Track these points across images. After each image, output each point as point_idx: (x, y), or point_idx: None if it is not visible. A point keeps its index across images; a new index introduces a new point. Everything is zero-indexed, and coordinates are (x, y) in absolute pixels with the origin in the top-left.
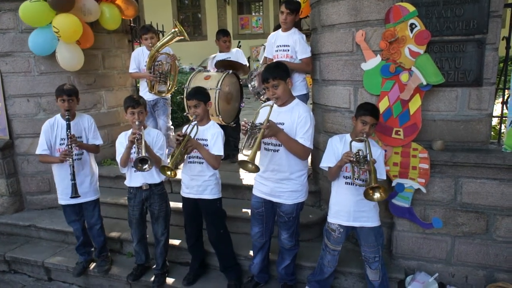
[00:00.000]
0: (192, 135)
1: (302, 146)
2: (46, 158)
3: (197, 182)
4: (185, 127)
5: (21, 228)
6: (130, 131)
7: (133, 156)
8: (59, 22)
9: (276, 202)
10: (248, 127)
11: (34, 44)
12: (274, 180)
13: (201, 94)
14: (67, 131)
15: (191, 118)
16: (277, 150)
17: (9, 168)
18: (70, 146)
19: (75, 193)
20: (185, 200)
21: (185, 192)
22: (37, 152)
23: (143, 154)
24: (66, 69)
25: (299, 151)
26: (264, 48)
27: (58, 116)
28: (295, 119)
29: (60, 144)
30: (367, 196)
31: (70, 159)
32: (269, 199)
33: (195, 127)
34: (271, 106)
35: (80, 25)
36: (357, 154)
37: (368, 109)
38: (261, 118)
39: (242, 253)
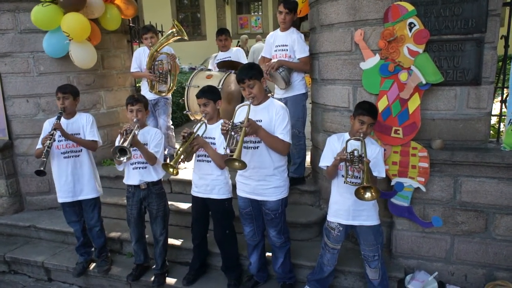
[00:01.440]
0: (200, 133)
1: (282, 141)
2: (36, 151)
3: (205, 181)
4: (197, 126)
5: (21, 228)
6: None
7: (132, 150)
8: (68, 25)
9: (261, 200)
10: (229, 127)
11: (49, 46)
12: (256, 178)
13: (210, 93)
14: (55, 121)
15: (191, 118)
16: (257, 147)
17: (8, 169)
18: (52, 133)
19: (40, 166)
20: (194, 199)
21: (195, 191)
22: (36, 148)
23: (125, 144)
24: (81, 67)
25: (280, 146)
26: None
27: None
28: (273, 116)
29: (58, 141)
30: (358, 195)
31: (48, 141)
32: (253, 198)
33: (204, 125)
34: (249, 105)
35: (87, 22)
36: (351, 153)
37: (366, 109)
38: (239, 118)
39: (242, 253)
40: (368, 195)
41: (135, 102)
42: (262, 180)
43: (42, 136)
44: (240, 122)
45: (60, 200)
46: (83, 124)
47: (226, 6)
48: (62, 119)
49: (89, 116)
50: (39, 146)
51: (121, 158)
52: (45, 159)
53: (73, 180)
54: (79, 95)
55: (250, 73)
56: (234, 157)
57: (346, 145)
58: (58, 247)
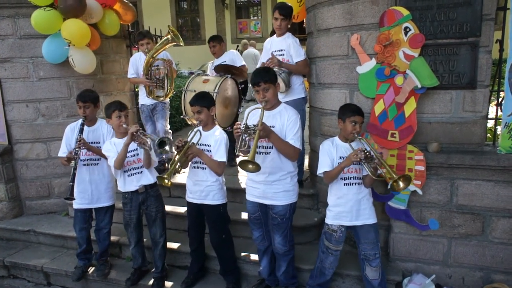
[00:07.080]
0: (195, 140)
1: (293, 147)
2: (61, 159)
3: (200, 187)
4: (191, 134)
5: (20, 233)
6: (114, 139)
7: (129, 156)
8: (68, 31)
9: (269, 204)
10: (242, 129)
11: (48, 53)
12: (266, 182)
13: (203, 100)
14: (78, 135)
15: (189, 122)
16: (268, 153)
17: (8, 173)
18: (76, 150)
19: (70, 195)
20: (189, 205)
21: (189, 197)
22: (58, 155)
23: (157, 139)
24: (81, 72)
25: (290, 152)
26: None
27: (81, 120)
28: (285, 121)
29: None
30: (393, 189)
31: (73, 161)
32: (262, 202)
33: (198, 132)
34: (262, 109)
35: (87, 28)
36: (365, 152)
37: (355, 110)
38: (250, 121)
39: (240, 256)
40: (401, 184)
41: (123, 108)
42: (272, 185)
43: (64, 141)
44: (253, 125)
45: (75, 206)
46: (104, 133)
47: (225, 11)
48: (85, 126)
49: (110, 126)
50: (61, 154)
51: (166, 147)
52: (72, 184)
53: (90, 187)
54: (99, 100)
55: (266, 76)
56: (249, 159)
57: (352, 148)
58: (57, 251)
